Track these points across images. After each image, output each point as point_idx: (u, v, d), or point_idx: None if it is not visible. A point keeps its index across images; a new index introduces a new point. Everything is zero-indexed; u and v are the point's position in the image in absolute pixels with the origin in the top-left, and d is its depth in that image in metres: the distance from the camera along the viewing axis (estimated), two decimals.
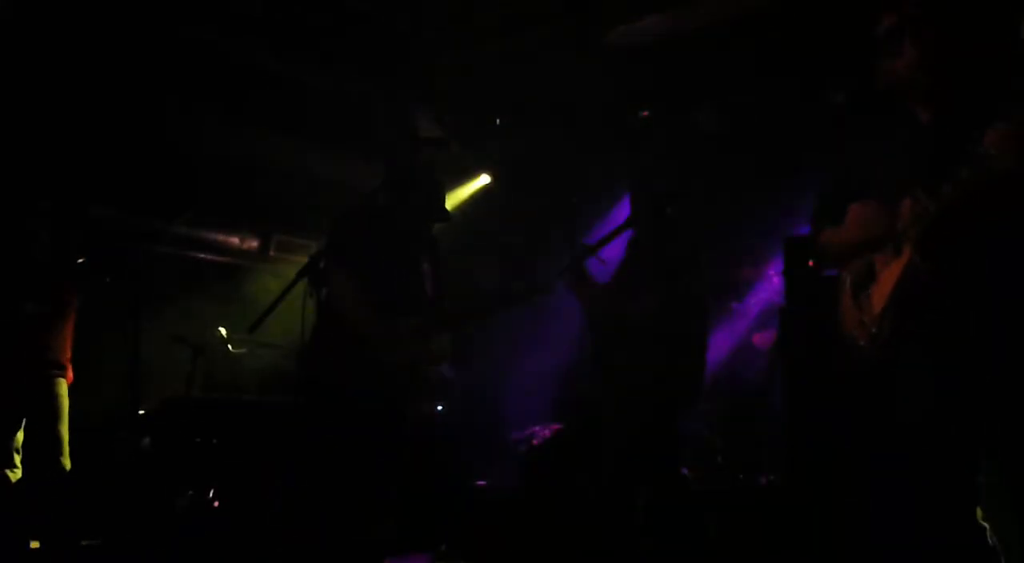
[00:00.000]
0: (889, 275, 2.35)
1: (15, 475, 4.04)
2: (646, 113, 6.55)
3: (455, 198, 7.18)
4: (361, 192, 3.35)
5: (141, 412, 5.25)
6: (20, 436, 4.12)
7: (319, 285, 3.68)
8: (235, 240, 6.64)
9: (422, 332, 3.78)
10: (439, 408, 5.90)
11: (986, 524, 2.23)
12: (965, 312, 2.24)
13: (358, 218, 3.87)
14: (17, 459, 4.08)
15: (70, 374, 4.26)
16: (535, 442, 5.56)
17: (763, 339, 5.74)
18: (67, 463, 4.13)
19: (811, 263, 4.12)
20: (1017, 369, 2.18)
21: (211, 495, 4.68)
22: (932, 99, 2.38)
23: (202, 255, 6.49)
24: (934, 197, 2.21)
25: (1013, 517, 2.18)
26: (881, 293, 2.38)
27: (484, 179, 7.35)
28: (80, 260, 4.43)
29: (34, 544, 4.19)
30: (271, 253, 6.81)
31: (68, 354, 4.28)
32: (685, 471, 4.01)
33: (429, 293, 3.90)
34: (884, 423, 2.41)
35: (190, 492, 4.73)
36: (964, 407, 2.25)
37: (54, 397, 4.18)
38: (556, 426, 5.79)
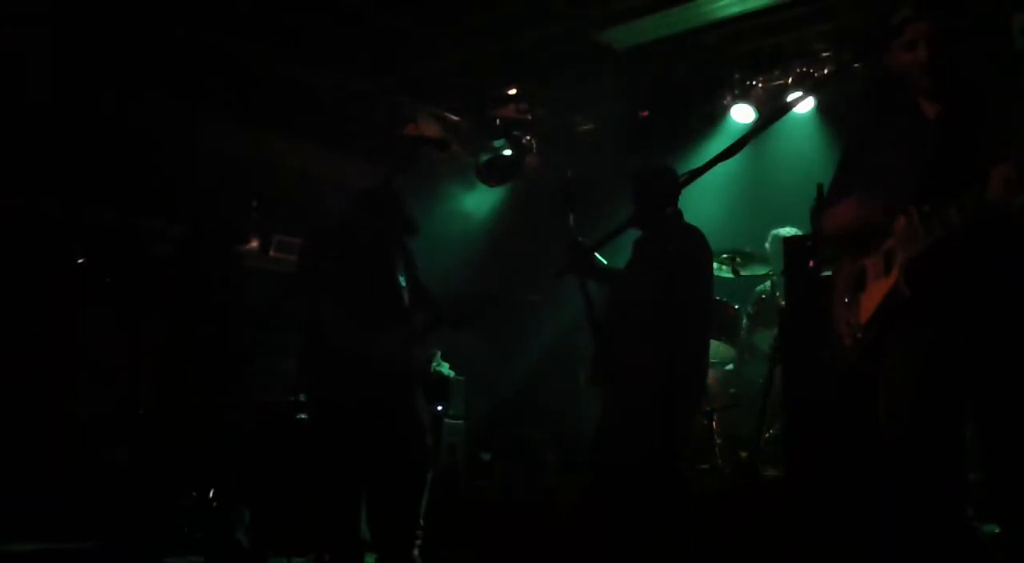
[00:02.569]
0: (877, 288, 2.40)
1: None
2: (646, 113, 6.56)
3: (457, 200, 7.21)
4: (330, 207, 3.42)
5: (141, 412, 5.25)
6: None
7: (305, 300, 3.80)
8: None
9: (404, 342, 4.02)
10: (439, 408, 5.90)
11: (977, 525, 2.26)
12: (952, 332, 2.27)
13: (329, 236, 4.00)
14: None
15: None
16: (535, 442, 5.57)
17: (762, 339, 5.73)
18: None
19: (811, 263, 4.12)
20: (1009, 380, 2.21)
21: (211, 495, 4.67)
22: (939, 96, 2.39)
23: None
24: (925, 223, 2.23)
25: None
26: (868, 304, 2.44)
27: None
28: (80, 260, 4.46)
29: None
30: (271, 253, 6.80)
31: None
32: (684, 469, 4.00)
33: (407, 304, 4.05)
34: (875, 425, 2.44)
35: (190, 492, 4.73)
36: (952, 414, 2.28)
37: None
38: (555, 426, 5.80)
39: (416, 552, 4.03)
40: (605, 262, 4.31)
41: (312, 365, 4.05)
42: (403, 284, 4.14)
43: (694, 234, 3.91)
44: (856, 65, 5.27)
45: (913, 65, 2.36)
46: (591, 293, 3.86)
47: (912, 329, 2.34)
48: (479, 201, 7.31)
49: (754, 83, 6.07)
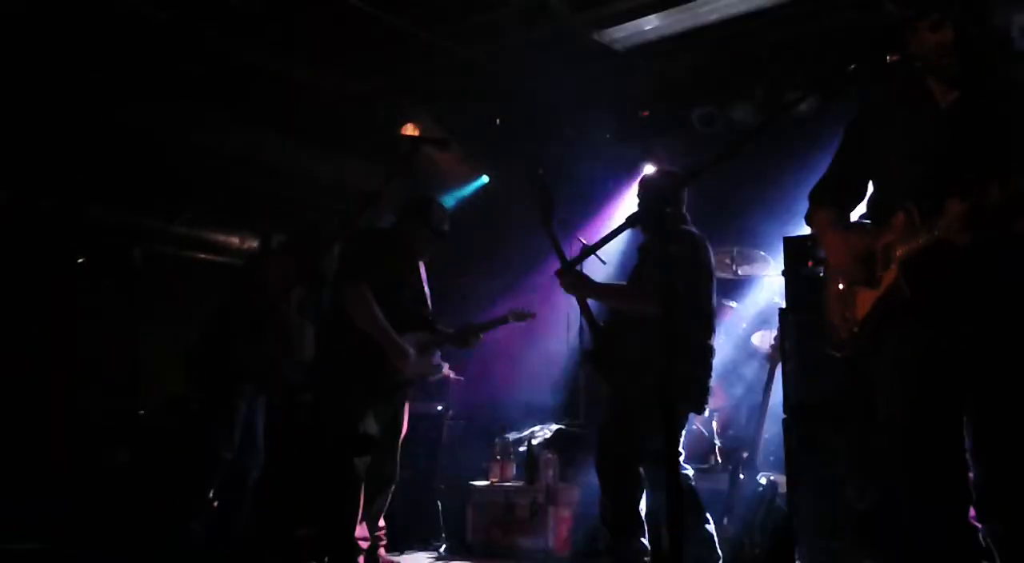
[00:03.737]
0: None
1: None
2: (646, 113, 6.56)
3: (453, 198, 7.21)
4: (364, 203, 3.50)
5: (141, 412, 5.25)
6: None
7: (325, 295, 3.85)
8: (235, 240, 6.64)
9: (426, 348, 4.17)
10: (439, 408, 5.90)
11: (978, 524, 2.25)
12: (952, 330, 2.26)
13: (372, 240, 4.08)
14: None
15: None
16: (535, 442, 5.56)
17: (763, 339, 5.73)
18: None
19: (810, 263, 4.12)
20: (1008, 379, 2.21)
21: (211, 495, 4.67)
22: (958, 81, 2.37)
23: (202, 255, 6.49)
24: (926, 223, 2.23)
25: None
26: (866, 298, 2.42)
27: (483, 179, 7.35)
28: (80, 260, 4.48)
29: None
30: None
31: None
32: (687, 470, 4.00)
33: (429, 311, 4.13)
34: (874, 424, 2.44)
35: (190, 493, 4.72)
36: (951, 413, 2.27)
37: None
38: (556, 426, 5.79)
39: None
40: (604, 262, 4.34)
41: (328, 359, 4.10)
42: (427, 292, 4.27)
43: (694, 236, 3.91)
44: (857, 65, 5.26)
45: (938, 46, 2.33)
46: (589, 306, 3.91)
47: (911, 327, 2.33)
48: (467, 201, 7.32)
49: (755, 82, 6.06)
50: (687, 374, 3.75)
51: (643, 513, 3.79)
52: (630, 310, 3.86)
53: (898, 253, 2.31)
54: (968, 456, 2.27)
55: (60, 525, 4.56)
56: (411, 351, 4.06)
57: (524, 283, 6.42)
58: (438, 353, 4.37)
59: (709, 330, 3.91)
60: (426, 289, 4.34)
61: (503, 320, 4.50)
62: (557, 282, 3.90)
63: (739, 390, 5.72)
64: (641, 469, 3.77)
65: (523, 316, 4.53)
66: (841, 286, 2.54)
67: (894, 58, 2.51)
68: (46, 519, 4.59)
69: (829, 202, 2.66)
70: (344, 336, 4.01)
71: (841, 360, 2.61)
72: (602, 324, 3.94)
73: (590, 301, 3.95)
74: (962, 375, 2.27)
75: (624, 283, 4.14)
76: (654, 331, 3.59)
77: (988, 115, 2.30)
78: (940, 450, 2.28)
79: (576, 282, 3.87)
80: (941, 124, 2.36)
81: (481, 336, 4.44)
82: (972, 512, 2.28)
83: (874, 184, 2.56)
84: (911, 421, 2.32)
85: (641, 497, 3.78)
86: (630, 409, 3.72)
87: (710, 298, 3.90)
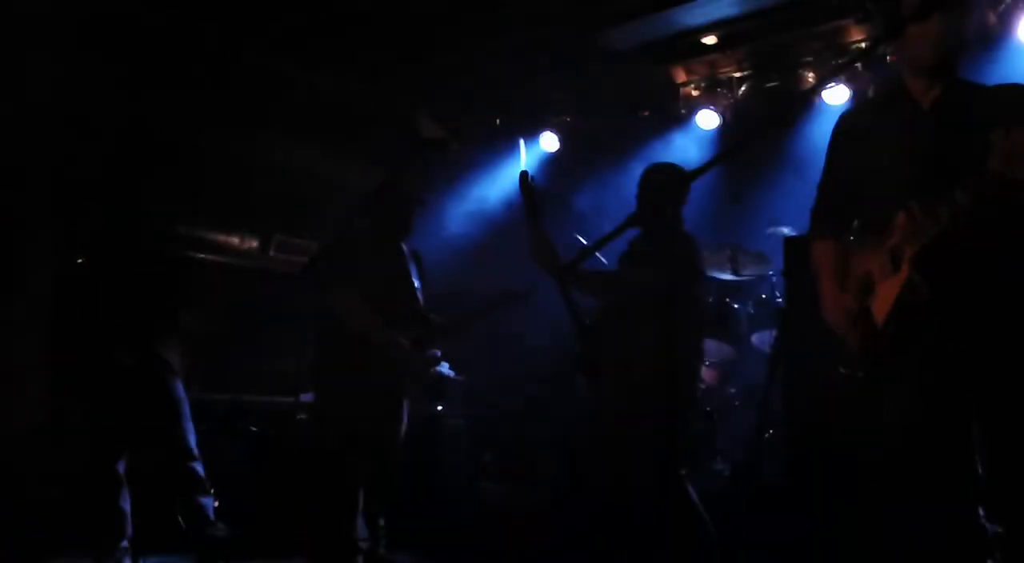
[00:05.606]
0: (889, 289, 2.35)
1: None
2: (646, 113, 6.56)
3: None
4: (359, 205, 3.50)
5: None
6: None
7: (319, 293, 3.84)
8: (235, 240, 6.64)
9: (421, 342, 4.13)
10: (439, 408, 5.89)
11: (986, 524, 2.24)
12: (957, 325, 2.24)
13: (355, 239, 4.15)
14: None
15: None
16: (535, 442, 5.56)
17: (763, 339, 5.73)
18: None
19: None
20: (1010, 381, 2.20)
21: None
22: (941, 74, 2.35)
23: (202, 255, 6.48)
24: (929, 215, 2.20)
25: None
26: (882, 305, 2.38)
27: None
28: (80, 260, 4.48)
29: None
30: (271, 253, 6.81)
31: None
32: (684, 472, 4.00)
33: (421, 305, 4.10)
34: (876, 426, 2.42)
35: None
36: (951, 415, 2.26)
37: None
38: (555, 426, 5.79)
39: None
40: (605, 261, 4.32)
41: (326, 361, 4.10)
42: (417, 285, 4.24)
43: (688, 238, 3.92)
44: (857, 65, 5.28)
45: (924, 38, 2.31)
46: (574, 300, 3.85)
47: (921, 327, 2.31)
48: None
49: (755, 83, 6.06)
50: (679, 375, 3.75)
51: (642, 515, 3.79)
52: (613, 298, 3.85)
53: (908, 253, 2.28)
54: (977, 457, 2.26)
55: (60, 524, 4.56)
56: (407, 347, 4.04)
57: (523, 279, 6.42)
58: (437, 350, 4.36)
59: (700, 332, 3.91)
60: (417, 283, 4.31)
61: (496, 301, 4.40)
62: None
63: (739, 390, 5.72)
64: (630, 469, 3.77)
65: (512, 297, 4.42)
66: (853, 303, 2.49)
67: (894, 57, 2.49)
68: (46, 518, 4.59)
69: (828, 232, 2.63)
70: (340, 337, 4.00)
71: (840, 360, 2.59)
72: (589, 324, 3.91)
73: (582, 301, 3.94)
74: (969, 375, 2.25)
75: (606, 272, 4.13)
76: (644, 332, 3.60)
77: (971, 112, 2.28)
78: (946, 452, 2.26)
79: (560, 269, 3.72)
80: (926, 124, 2.34)
81: (475, 320, 4.40)
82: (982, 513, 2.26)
83: (866, 191, 2.53)
84: (916, 422, 2.30)
85: (640, 498, 3.78)
86: (617, 410, 3.72)
87: (701, 300, 3.90)
